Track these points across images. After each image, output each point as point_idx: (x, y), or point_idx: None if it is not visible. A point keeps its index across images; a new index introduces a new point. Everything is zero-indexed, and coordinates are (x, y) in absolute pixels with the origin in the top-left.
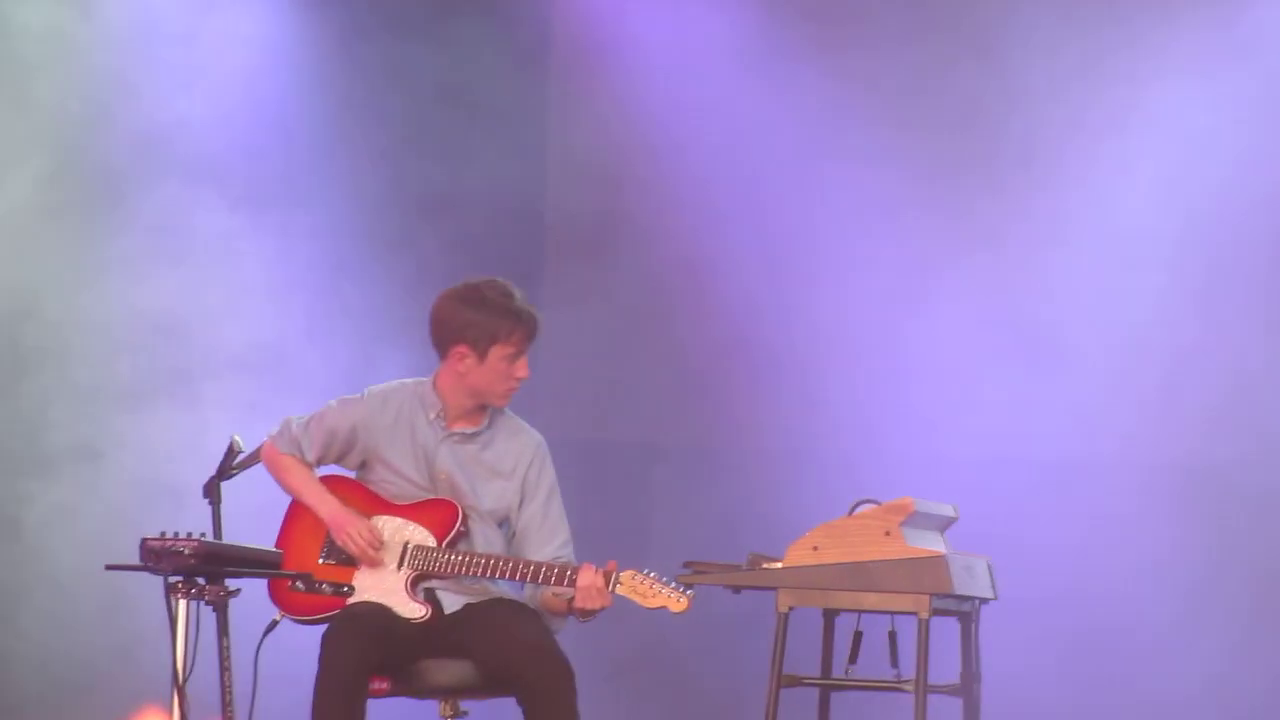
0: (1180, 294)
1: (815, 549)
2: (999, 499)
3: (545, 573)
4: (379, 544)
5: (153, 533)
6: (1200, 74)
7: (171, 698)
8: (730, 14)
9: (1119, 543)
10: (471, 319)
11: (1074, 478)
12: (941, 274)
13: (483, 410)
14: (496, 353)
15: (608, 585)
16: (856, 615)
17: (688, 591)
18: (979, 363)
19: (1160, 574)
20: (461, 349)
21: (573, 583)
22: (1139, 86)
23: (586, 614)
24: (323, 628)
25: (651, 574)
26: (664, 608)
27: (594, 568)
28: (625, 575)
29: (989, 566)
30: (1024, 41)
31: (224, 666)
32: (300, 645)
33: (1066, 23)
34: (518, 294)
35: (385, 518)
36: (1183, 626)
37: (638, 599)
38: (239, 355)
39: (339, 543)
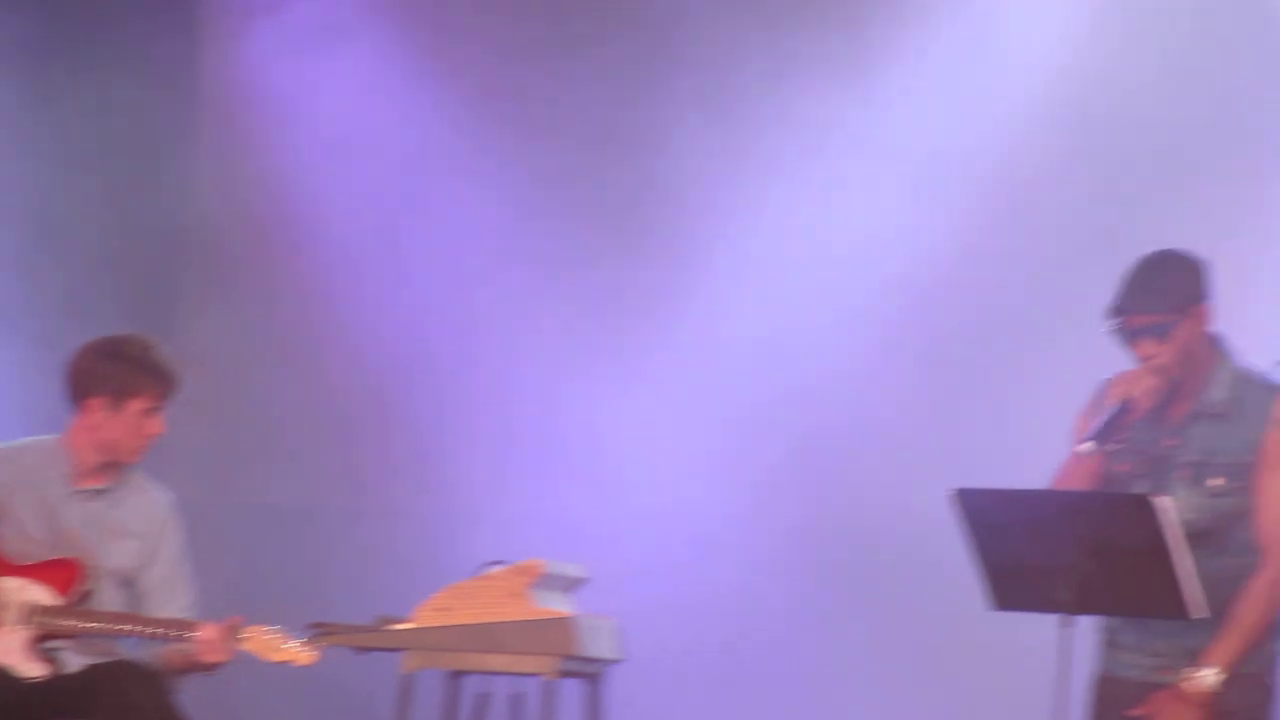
0: (812, 360)
1: (443, 610)
2: (629, 559)
3: (166, 630)
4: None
5: None
6: (833, 146)
7: None
8: (378, 74)
9: (753, 601)
10: (109, 371)
11: (707, 538)
12: (579, 336)
13: (113, 467)
14: (133, 406)
15: (230, 639)
16: (484, 677)
17: (313, 645)
18: (612, 425)
19: (798, 632)
20: (97, 401)
21: (193, 639)
22: (771, 160)
23: (208, 669)
24: None
25: (276, 629)
26: (289, 662)
27: (214, 623)
28: (250, 630)
29: (615, 628)
30: (672, 118)
31: None
32: None
33: (707, 103)
34: (158, 350)
35: (5, 578)
36: (827, 683)
37: (262, 653)
38: None
39: None
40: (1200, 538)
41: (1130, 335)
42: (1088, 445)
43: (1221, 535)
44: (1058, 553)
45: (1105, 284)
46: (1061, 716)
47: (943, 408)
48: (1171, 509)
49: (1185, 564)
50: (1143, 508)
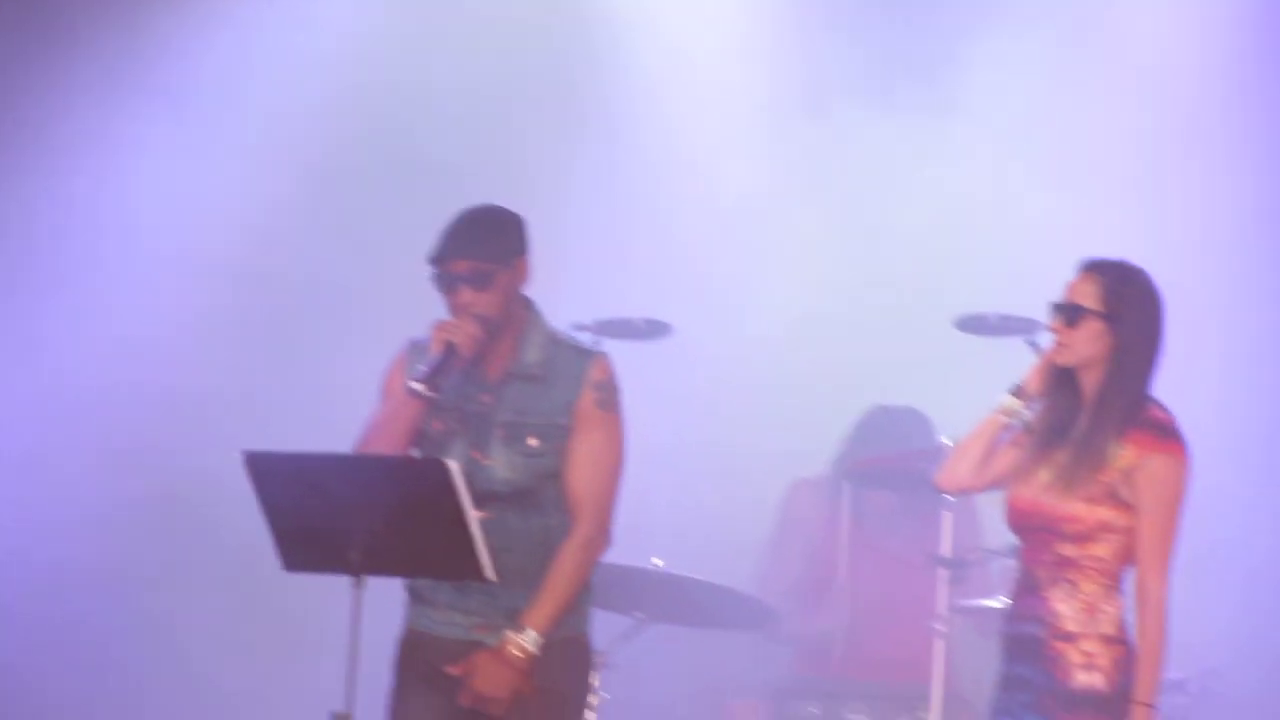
0: (137, 330)
1: None
2: None
3: None
4: None
5: None
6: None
7: None
8: None
9: (83, 571)
10: None
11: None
12: None
13: None
14: None
15: None
16: None
17: None
18: None
19: (117, 599)
20: None
21: None
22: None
23: None
24: None
25: None
26: None
27: None
28: None
29: None
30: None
31: None
32: None
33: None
34: None
35: None
36: (139, 648)
37: None
38: None
39: None
40: (519, 497)
41: (451, 281)
42: (419, 386)
43: (538, 495)
44: (349, 515)
45: (419, 251)
46: (353, 677)
47: (265, 375)
48: (459, 473)
49: (478, 528)
50: (437, 470)
